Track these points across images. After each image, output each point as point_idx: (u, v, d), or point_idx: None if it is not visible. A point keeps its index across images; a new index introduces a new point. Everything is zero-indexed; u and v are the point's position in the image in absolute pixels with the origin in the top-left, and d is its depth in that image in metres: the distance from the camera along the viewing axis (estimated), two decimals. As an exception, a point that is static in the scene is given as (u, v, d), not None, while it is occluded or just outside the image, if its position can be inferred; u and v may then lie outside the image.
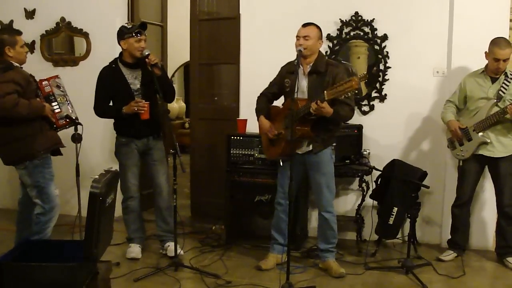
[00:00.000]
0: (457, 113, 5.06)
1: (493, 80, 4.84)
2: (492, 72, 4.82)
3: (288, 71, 4.64)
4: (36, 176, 4.55)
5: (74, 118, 4.71)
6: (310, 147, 4.61)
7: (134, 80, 4.91)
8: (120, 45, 4.91)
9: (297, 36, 4.54)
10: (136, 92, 4.89)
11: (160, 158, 5.06)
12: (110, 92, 4.94)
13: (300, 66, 4.56)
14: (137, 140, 4.97)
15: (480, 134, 4.82)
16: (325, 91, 4.26)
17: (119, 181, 4.94)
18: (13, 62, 4.49)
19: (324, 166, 4.64)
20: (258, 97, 4.84)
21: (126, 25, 4.91)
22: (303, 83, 4.57)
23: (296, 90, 4.35)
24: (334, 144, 4.74)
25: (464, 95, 4.98)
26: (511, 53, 4.71)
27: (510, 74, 4.80)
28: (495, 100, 4.77)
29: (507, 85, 4.76)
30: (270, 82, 4.83)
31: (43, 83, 4.65)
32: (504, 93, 4.76)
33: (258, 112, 4.78)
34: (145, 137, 4.98)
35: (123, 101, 4.83)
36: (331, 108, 4.32)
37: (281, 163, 4.71)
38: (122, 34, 4.85)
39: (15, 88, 4.32)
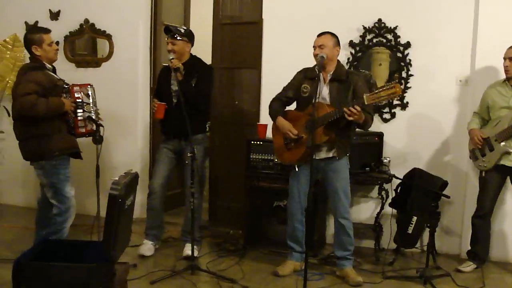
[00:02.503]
0: (483, 125, 5.02)
1: None
2: (506, 74, 4.80)
3: (307, 77, 4.66)
4: (51, 177, 4.60)
5: (96, 120, 4.72)
6: (331, 154, 4.60)
7: (175, 81, 4.99)
8: None
9: (313, 46, 4.58)
10: (174, 93, 5.03)
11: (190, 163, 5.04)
12: (158, 89, 5.24)
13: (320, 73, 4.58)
14: (170, 140, 5.13)
15: (502, 144, 4.76)
16: (364, 96, 4.25)
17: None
18: (45, 63, 4.58)
19: (342, 172, 4.65)
20: (272, 100, 4.84)
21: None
22: (324, 90, 4.57)
23: (318, 97, 4.36)
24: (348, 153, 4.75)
25: (487, 106, 4.94)
26: None
27: (532, 83, 4.76)
28: (517, 109, 4.73)
29: None
30: (284, 87, 4.83)
31: (75, 88, 4.67)
32: None
33: (275, 113, 4.77)
34: (176, 138, 5.09)
35: (163, 99, 5.05)
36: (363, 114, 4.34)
37: (297, 169, 4.70)
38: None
39: (34, 89, 4.37)
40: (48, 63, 4.64)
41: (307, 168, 4.49)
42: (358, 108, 4.25)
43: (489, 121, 4.95)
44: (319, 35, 4.62)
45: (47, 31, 4.69)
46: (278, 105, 4.81)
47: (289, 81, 4.83)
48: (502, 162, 4.80)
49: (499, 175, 4.91)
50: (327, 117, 4.38)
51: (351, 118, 4.30)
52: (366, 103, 4.24)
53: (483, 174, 4.96)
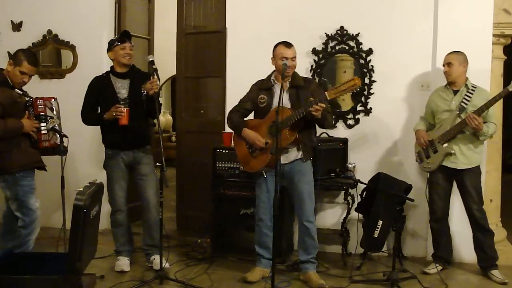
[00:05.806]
0: (429, 129, 5.14)
1: (455, 93, 4.94)
2: (447, 79, 4.98)
3: (262, 88, 4.78)
4: (15, 189, 4.54)
5: (60, 131, 4.69)
6: (299, 155, 4.68)
7: (122, 89, 4.94)
8: (109, 57, 5.02)
9: (285, 57, 4.58)
10: (123, 101, 4.91)
11: (148, 172, 5.03)
12: (97, 99, 4.99)
13: (276, 82, 4.70)
14: (122, 152, 4.97)
15: (445, 145, 4.89)
16: (325, 92, 4.44)
17: (108, 194, 4.95)
18: (8, 79, 4.51)
19: (307, 174, 4.73)
20: (231, 113, 4.87)
21: (113, 38, 5.00)
22: (285, 97, 4.63)
23: (279, 104, 4.47)
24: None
25: (431, 110, 5.10)
26: (455, 59, 4.89)
27: (472, 87, 4.91)
28: (457, 112, 4.85)
29: (469, 97, 4.86)
30: (241, 100, 4.88)
31: (38, 101, 4.64)
32: (466, 104, 4.85)
33: (238, 126, 4.80)
34: (131, 149, 4.97)
35: (107, 108, 4.87)
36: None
37: (265, 175, 4.73)
38: (109, 45, 4.98)
39: None
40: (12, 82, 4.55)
41: (273, 174, 4.54)
42: (323, 105, 4.38)
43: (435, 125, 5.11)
44: (289, 46, 4.62)
45: (32, 62, 4.59)
46: (239, 117, 4.85)
47: (246, 93, 4.89)
48: (444, 163, 4.92)
49: (444, 176, 5.01)
50: (292, 118, 4.46)
51: (315, 114, 4.40)
52: (328, 98, 4.41)
53: (429, 176, 5.06)
